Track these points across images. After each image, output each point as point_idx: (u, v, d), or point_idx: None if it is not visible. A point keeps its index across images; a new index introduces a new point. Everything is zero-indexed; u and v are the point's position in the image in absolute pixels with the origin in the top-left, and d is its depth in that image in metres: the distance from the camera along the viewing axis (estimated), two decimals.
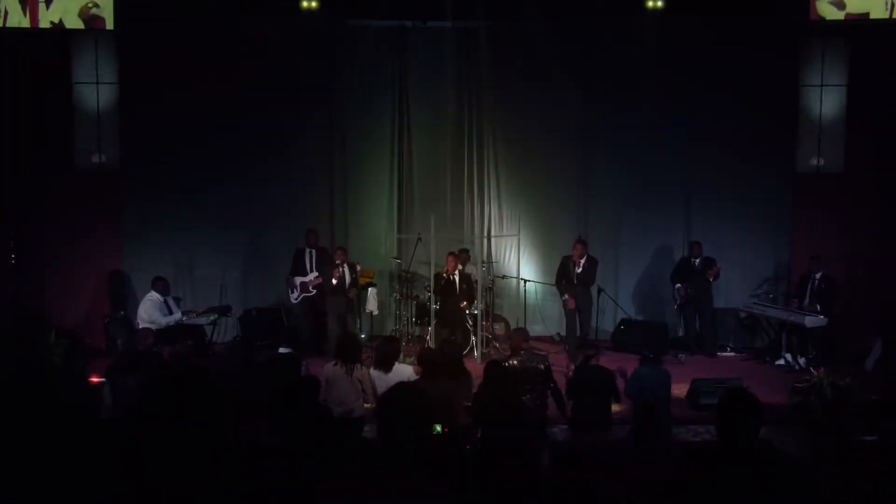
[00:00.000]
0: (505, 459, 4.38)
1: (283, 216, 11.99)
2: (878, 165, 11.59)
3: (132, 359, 7.89)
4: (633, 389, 7.46)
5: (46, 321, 10.62)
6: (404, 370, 7.13)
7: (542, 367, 7.42)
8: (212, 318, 10.61)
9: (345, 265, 10.92)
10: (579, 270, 10.76)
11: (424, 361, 6.94)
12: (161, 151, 11.70)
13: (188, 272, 11.93)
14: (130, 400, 6.52)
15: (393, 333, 11.30)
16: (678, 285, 11.37)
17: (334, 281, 10.79)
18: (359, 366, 6.94)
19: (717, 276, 11.18)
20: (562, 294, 11.02)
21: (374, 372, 7.03)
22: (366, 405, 6.81)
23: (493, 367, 6.85)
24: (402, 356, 8.47)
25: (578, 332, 10.90)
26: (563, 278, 10.95)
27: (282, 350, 7.82)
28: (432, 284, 10.87)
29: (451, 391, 6.59)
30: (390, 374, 6.93)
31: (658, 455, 5.32)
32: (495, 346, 11.11)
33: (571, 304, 10.79)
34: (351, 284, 10.99)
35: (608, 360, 8.92)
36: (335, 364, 6.89)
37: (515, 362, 7.40)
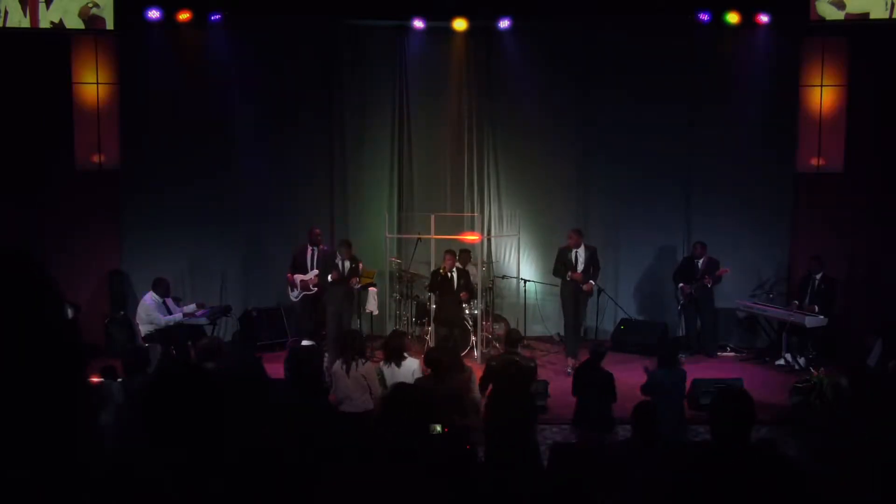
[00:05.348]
0: (514, 460, 4.39)
1: (283, 216, 11.98)
2: (877, 165, 11.59)
3: (141, 357, 7.87)
4: (649, 391, 7.50)
5: None
6: (411, 364, 7.17)
7: (533, 364, 7.73)
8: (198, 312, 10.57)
9: (346, 261, 10.79)
10: (581, 263, 10.52)
11: (431, 361, 6.95)
12: (161, 151, 11.69)
13: (188, 272, 11.92)
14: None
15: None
16: (682, 285, 11.35)
17: (330, 278, 10.63)
18: (362, 361, 6.98)
19: (718, 280, 11.17)
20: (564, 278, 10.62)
21: (384, 367, 7.09)
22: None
23: (514, 366, 6.85)
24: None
25: (576, 330, 10.79)
26: (564, 267, 10.60)
27: (305, 343, 7.97)
28: (429, 280, 10.85)
29: (460, 389, 6.65)
30: (400, 369, 7.01)
31: (656, 453, 5.33)
32: (495, 346, 11.11)
33: (577, 276, 10.39)
34: (352, 273, 10.69)
35: (608, 360, 8.90)
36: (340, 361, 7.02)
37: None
